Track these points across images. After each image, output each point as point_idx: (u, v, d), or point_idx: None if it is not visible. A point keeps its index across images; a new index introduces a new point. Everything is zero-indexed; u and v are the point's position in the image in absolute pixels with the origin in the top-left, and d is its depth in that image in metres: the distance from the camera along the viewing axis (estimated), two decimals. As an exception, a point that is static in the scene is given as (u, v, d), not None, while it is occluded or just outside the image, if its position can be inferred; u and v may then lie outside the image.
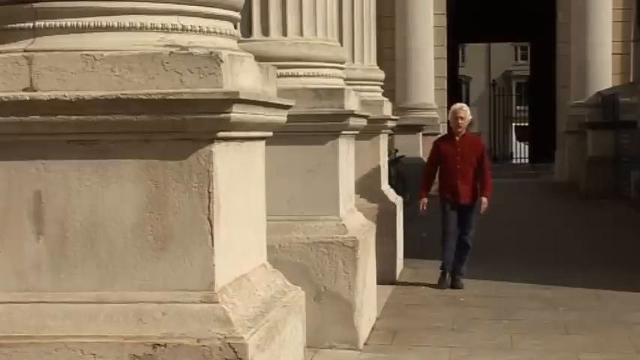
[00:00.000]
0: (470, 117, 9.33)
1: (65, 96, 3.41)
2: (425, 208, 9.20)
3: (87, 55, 3.46)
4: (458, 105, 9.50)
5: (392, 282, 9.36)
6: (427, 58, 21.93)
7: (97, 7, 3.53)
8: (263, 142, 4.24)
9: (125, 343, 3.42)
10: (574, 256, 11.28)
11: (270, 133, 4.26)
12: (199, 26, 3.65)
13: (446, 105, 22.51)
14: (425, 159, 11.58)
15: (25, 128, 3.49)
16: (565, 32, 23.33)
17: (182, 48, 3.50)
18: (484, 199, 9.20)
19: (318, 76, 6.70)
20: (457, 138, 9.27)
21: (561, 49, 23.85)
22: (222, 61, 3.43)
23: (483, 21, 28.10)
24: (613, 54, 22.30)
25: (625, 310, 8.01)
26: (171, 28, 3.58)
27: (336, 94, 6.58)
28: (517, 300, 8.58)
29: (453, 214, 9.20)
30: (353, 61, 9.23)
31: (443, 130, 21.89)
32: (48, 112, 3.44)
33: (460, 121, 9.20)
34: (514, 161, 45.57)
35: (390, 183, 10.70)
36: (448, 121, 9.75)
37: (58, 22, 3.53)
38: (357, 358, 6.49)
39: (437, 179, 9.54)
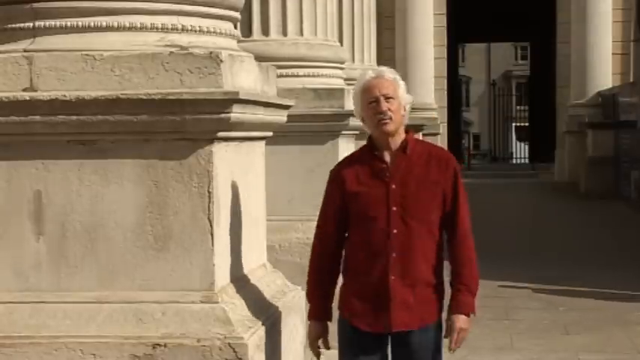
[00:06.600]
0: (409, 98, 3.57)
1: (65, 96, 3.41)
2: (323, 345, 4.03)
3: (87, 55, 3.46)
4: (370, 74, 3.55)
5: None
6: (427, 58, 21.90)
7: (97, 7, 3.53)
8: (263, 142, 4.24)
9: (125, 343, 3.42)
10: (574, 256, 11.26)
11: (270, 133, 4.26)
12: (199, 26, 3.65)
13: (446, 105, 22.51)
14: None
15: (25, 128, 3.49)
16: (565, 32, 23.31)
17: (182, 48, 3.50)
18: (461, 318, 3.81)
19: (318, 76, 6.70)
20: (387, 154, 3.54)
21: (561, 49, 23.82)
22: (222, 61, 3.43)
23: (483, 21, 28.13)
24: (613, 54, 22.27)
25: (625, 310, 8.00)
26: (171, 28, 3.59)
27: (336, 94, 6.58)
28: (517, 300, 8.58)
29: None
30: (353, 61, 9.24)
31: (443, 131, 21.97)
32: (48, 112, 3.44)
33: (384, 107, 3.46)
34: (514, 161, 45.61)
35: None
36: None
37: (58, 22, 3.53)
38: (357, 358, 6.48)
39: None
